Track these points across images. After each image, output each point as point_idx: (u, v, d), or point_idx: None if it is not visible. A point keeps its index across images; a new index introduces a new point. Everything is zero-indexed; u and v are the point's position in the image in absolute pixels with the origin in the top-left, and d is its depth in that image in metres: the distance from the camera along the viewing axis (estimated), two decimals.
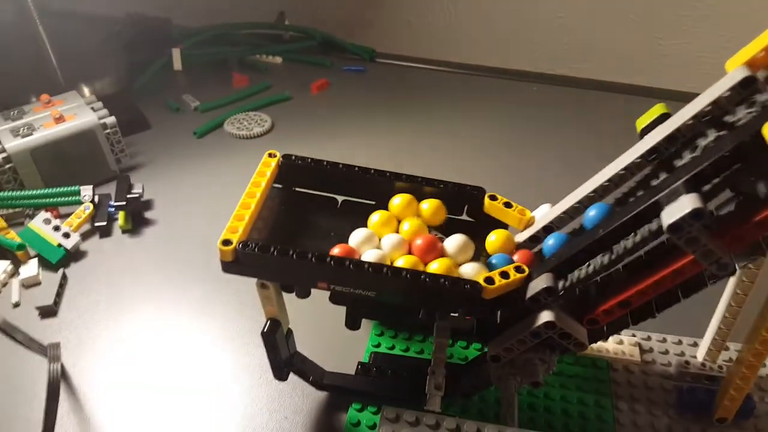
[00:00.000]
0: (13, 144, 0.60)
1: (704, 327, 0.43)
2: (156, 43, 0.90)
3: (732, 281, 0.39)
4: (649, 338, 0.46)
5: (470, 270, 0.36)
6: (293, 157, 0.40)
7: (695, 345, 0.46)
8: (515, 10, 0.90)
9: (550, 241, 0.36)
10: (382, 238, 0.37)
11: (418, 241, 0.37)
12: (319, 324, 0.48)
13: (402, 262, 0.36)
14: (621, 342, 0.46)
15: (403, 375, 0.43)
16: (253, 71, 0.88)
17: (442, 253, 0.37)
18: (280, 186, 0.41)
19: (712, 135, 0.32)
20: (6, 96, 0.70)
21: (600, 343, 0.46)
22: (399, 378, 0.43)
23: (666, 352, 0.45)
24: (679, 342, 0.46)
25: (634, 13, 0.86)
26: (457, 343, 0.47)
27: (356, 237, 0.37)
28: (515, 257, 0.37)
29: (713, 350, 0.43)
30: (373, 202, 0.41)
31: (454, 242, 0.37)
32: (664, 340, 0.46)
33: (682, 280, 0.32)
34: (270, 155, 0.40)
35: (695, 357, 0.44)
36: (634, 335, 0.46)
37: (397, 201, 0.40)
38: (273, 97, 0.81)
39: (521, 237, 0.40)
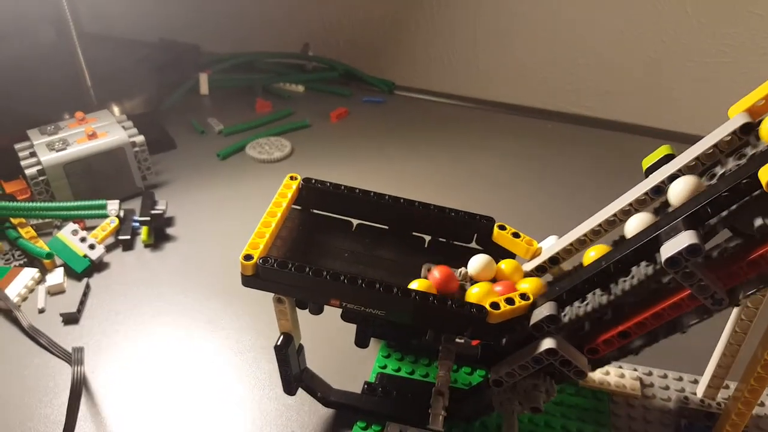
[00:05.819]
0: (47, 158, 0.63)
1: (706, 364, 0.44)
2: (184, 68, 0.94)
3: (731, 320, 0.40)
4: (650, 373, 0.47)
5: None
6: (313, 181, 0.43)
7: (696, 382, 0.46)
8: (534, 51, 0.93)
9: None
10: None
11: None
12: (328, 343, 0.49)
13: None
14: (623, 376, 0.47)
15: (407, 396, 0.45)
16: (276, 98, 0.91)
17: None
18: (299, 207, 0.43)
19: (712, 176, 0.34)
20: (45, 112, 0.74)
21: (602, 376, 0.47)
22: (403, 399, 0.45)
23: (666, 388, 0.46)
24: (680, 378, 0.47)
25: (650, 57, 0.89)
26: (462, 369, 0.48)
27: None
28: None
29: (712, 388, 0.43)
30: (386, 227, 0.43)
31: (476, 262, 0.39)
32: (666, 376, 0.47)
33: (679, 313, 0.33)
34: (291, 178, 0.43)
35: (695, 394, 0.45)
36: (636, 369, 0.47)
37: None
38: (292, 123, 0.84)
39: (528, 266, 0.41)
